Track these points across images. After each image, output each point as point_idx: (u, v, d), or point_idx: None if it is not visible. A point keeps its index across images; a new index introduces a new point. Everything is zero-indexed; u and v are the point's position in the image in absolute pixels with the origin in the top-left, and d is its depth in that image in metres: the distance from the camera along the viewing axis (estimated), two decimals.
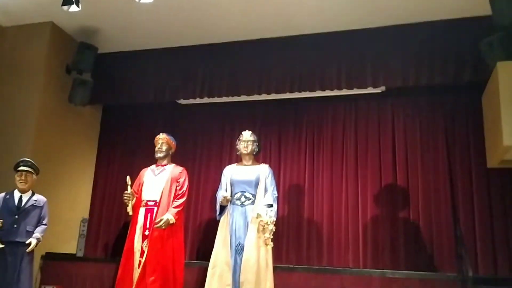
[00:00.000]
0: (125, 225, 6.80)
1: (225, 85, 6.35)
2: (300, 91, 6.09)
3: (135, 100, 6.76)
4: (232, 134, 6.69)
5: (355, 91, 6.13)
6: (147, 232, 4.70)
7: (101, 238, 6.91)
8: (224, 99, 6.57)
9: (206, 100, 6.62)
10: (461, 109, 5.93)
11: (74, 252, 6.57)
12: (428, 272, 5.12)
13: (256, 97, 6.46)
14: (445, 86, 5.88)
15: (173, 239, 4.70)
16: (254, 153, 4.84)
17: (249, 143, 4.75)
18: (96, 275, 6.09)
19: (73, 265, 6.25)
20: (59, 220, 6.40)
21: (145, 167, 6.48)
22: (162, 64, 6.70)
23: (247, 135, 4.80)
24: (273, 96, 6.44)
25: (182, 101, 6.88)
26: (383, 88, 6.05)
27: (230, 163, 6.55)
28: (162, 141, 5.04)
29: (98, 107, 7.39)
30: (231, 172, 4.73)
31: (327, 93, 6.21)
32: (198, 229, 6.44)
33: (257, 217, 4.29)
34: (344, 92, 6.17)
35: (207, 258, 5.91)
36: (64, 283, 6.06)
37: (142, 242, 4.68)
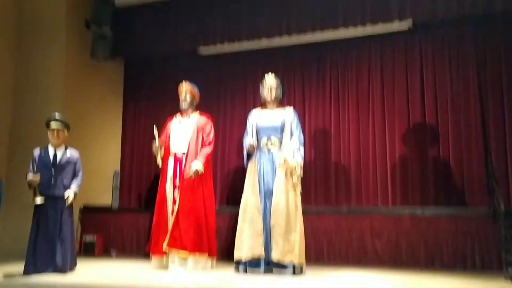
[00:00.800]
0: (156, 177, 6.95)
1: (245, 29, 6.21)
2: (322, 29, 5.91)
3: (155, 51, 6.73)
4: (255, 82, 6.56)
5: (380, 30, 5.94)
6: (177, 182, 4.80)
7: (133, 190, 7.14)
8: (245, 46, 6.48)
9: (226, 48, 6.54)
10: (494, 41, 5.67)
11: (110, 204, 6.86)
12: (458, 207, 5.11)
13: (277, 43, 6.34)
14: (475, 17, 5.61)
15: (203, 187, 4.80)
16: (279, 99, 4.78)
17: (272, 89, 4.69)
18: (131, 224, 6.36)
19: (110, 216, 6.53)
20: (93, 174, 6.60)
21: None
22: (179, 13, 6.58)
23: (270, 80, 4.73)
24: (295, 41, 6.31)
25: (203, 52, 6.81)
26: (409, 23, 5.81)
27: (255, 106, 6.57)
28: (186, 91, 5.03)
29: (120, 62, 7.41)
30: (256, 118, 4.71)
31: (351, 33, 6.04)
32: (227, 176, 6.56)
33: (284, 162, 4.31)
34: (369, 32, 5.98)
35: (237, 205, 6.08)
36: (103, 232, 6.35)
37: (173, 191, 4.80)
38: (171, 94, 7.01)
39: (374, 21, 5.66)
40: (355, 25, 5.75)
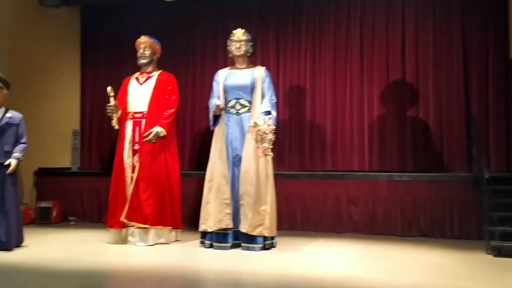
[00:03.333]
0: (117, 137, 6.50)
1: None
2: None
3: None
4: (226, 34, 5.99)
5: None
6: (136, 147, 4.34)
7: (94, 151, 6.63)
8: None
9: None
10: None
11: (69, 166, 6.37)
12: (438, 174, 4.84)
13: None
14: None
15: (166, 152, 4.37)
16: (248, 54, 4.29)
17: (242, 43, 4.19)
18: (92, 189, 5.92)
19: (69, 180, 6.06)
20: (49, 133, 6.09)
21: (135, 71, 6.05)
22: None
23: (239, 33, 4.22)
24: None
25: None
26: None
27: (226, 65, 6.11)
28: (145, 44, 4.48)
29: (76, 10, 6.68)
30: (223, 77, 4.23)
31: None
32: (195, 138, 6.11)
33: (254, 126, 3.88)
34: None
35: (205, 169, 5.71)
36: (61, 198, 5.90)
37: (132, 157, 4.35)
38: (133, 46, 6.44)
39: None
40: None
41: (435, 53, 5.35)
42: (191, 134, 6.14)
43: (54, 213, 5.67)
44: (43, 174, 6.07)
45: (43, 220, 5.61)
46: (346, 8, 5.74)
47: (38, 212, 5.67)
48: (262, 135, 3.86)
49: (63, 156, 6.43)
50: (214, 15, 6.21)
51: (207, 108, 5.97)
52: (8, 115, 4.04)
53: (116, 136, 6.47)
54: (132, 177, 4.30)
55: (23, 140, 4.11)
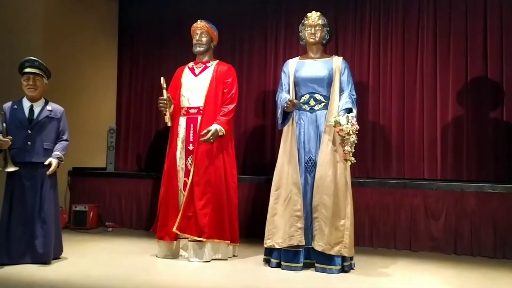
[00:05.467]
0: (158, 135, 5.99)
1: None
2: None
3: None
4: (277, 19, 5.54)
5: None
6: (191, 147, 3.78)
7: (131, 150, 6.13)
8: None
9: None
10: None
11: (104, 166, 5.86)
12: None
13: None
14: None
15: (224, 154, 3.80)
16: (324, 41, 3.69)
17: (317, 28, 3.59)
18: (131, 191, 5.40)
19: (105, 181, 5.54)
20: (83, 131, 5.59)
21: (176, 65, 5.50)
22: None
23: (314, 17, 3.62)
24: None
25: None
26: None
27: (276, 56, 5.53)
28: (202, 30, 3.92)
29: None
30: (294, 68, 3.64)
31: None
32: (243, 138, 5.53)
33: (335, 126, 3.28)
34: None
35: (256, 173, 5.14)
36: (98, 201, 5.39)
37: (186, 158, 3.79)
38: (175, 37, 5.93)
39: None
40: None
41: None
42: (236, 134, 5.56)
43: (90, 218, 5.15)
44: (77, 174, 5.58)
45: (79, 225, 5.10)
46: None
47: (73, 216, 5.16)
48: (344, 137, 3.26)
49: (98, 155, 5.94)
50: (266, 2, 5.65)
51: (259, 102, 5.55)
52: (49, 107, 3.54)
53: (153, 135, 6.08)
54: (186, 181, 3.74)
55: (64, 137, 3.60)
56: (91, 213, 5.18)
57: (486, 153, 4.70)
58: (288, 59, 5.42)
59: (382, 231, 4.42)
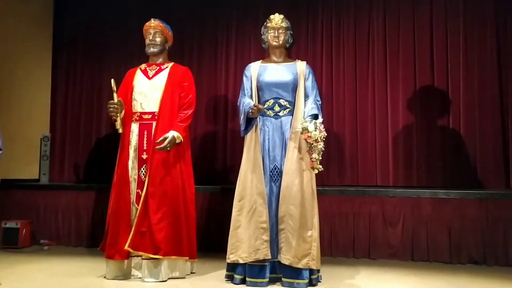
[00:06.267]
0: (99, 142, 5.57)
1: None
2: None
3: None
4: (228, 21, 5.37)
5: None
6: (145, 156, 3.47)
7: (68, 160, 5.64)
8: None
9: None
10: None
11: (37, 177, 5.32)
12: (492, 191, 4.25)
13: None
14: None
15: (181, 163, 3.52)
16: (287, 45, 3.55)
17: (280, 31, 3.44)
18: (69, 205, 4.92)
19: (39, 194, 5.01)
20: (13, 139, 5.00)
21: (119, 67, 5.17)
22: None
23: (277, 19, 3.46)
24: None
25: None
26: None
27: (227, 59, 5.34)
28: (155, 29, 3.63)
29: None
30: (257, 72, 3.46)
31: None
32: (193, 145, 5.20)
33: (302, 132, 3.15)
34: None
35: (208, 182, 4.89)
36: (31, 216, 4.86)
37: (139, 168, 3.47)
38: (118, 37, 5.55)
39: None
40: None
41: (467, 57, 4.84)
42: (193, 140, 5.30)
43: (23, 235, 4.62)
44: (6, 187, 5.01)
45: (9, 243, 4.55)
46: (367, 6, 5.15)
47: (3, 234, 4.60)
48: (311, 144, 3.14)
49: (29, 166, 5.39)
50: (214, 3, 5.45)
51: (210, 107, 5.30)
52: None
53: (93, 143, 5.62)
54: (139, 193, 3.42)
55: None
56: (24, 230, 4.65)
57: (435, 159, 4.81)
58: (239, 62, 5.38)
59: (341, 240, 4.35)
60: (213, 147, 5.28)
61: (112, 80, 3.41)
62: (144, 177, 3.43)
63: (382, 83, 5.04)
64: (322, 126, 3.18)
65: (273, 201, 3.28)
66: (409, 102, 4.96)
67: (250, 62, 4.95)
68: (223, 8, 5.43)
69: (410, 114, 4.95)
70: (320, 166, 3.21)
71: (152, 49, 3.63)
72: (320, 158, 3.19)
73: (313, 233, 3.22)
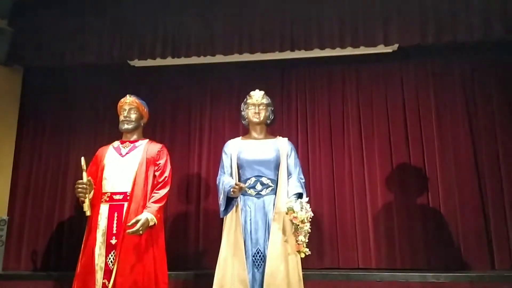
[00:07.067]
0: (61, 226, 5.17)
1: (195, 42, 4.90)
2: (293, 50, 4.83)
3: (71, 61, 5.03)
4: (202, 103, 5.32)
5: (357, 51, 4.97)
6: (114, 240, 3.15)
7: (26, 245, 5.14)
8: (194, 59, 5.08)
9: (168, 61, 5.08)
10: (485, 70, 4.98)
11: None
12: (483, 273, 4.08)
13: (232, 58, 5.05)
14: (467, 46, 4.93)
15: (154, 248, 3.21)
16: (268, 121, 3.46)
17: (261, 107, 3.36)
18: None
19: None
20: None
21: (89, 145, 4.95)
22: (107, 12, 5.06)
23: (257, 95, 3.40)
24: (254, 57, 5.08)
25: (137, 63, 5.28)
26: (394, 47, 4.94)
27: (201, 135, 5.22)
28: (131, 106, 3.48)
29: (18, 69, 5.50)
30: (236, 150, 3.31)
31: (319, 53, 4.97)
32: (165, 225, 4.91)
33: (287, 213, 2.95)
34: (341, 51, 4.95)
35: (179, 267, 4.52)
36: None
37: (107, 255, 3.13)
38: (88, 114, 5.39)
39: (355, 44, 4.73)
40: (332, 47, 4.77)
41: (441, 136, 4.91)
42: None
43: None
44: None
45: None
46: (339, 83, 5.24)
47: None
48: (298, 225, 2.93)
49: None
50: (189, 82, 5.43)
51: (182, 187, 5.05)
52: None
53: (55, 227, 5.21)
54: (105, 284, 3.05)
55: None
56: None
57: (418, 240, 4.67)
58: (214, 138, 5.26)
59: None
60: (185, 228, 4.99)
61: (82, 158, 3.17)
62: (112, 265, 3.09)
63: (358, 159, 4.99)
64: (308, 205, 3.00)
65: None
66: (387, 180, 4.90)
67: (225, 137, 4.97)
68: (197, 82, 5.41)
69: (389, 192, 4.87)
70: (307, 250, 2.98)
71: (126, 126, 3.45)
72: (307, 240, 2.97)
73: None
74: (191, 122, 5.31)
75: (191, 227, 5.01)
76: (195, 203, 5.07)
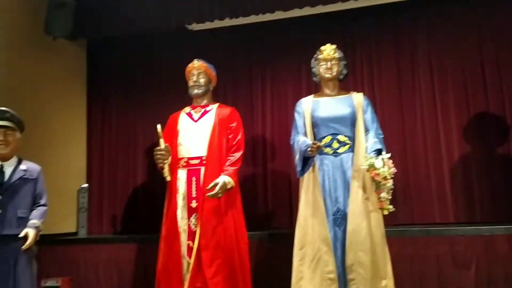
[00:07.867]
0: (136, 192, 5.37)
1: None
2: None
3: (133, 29, 5.05)
4: (262, 63, 5.20)
5: None
6: (194, 204, 3.22)
7: (106, 212, 5.43)
8: (252, 18, 4.95)
9: (226, 22, 4.99)
10: None
11: (74, 231, 5.12)
12: None
13: (290, 13, 4.86)
14: None
15: (233, 210, 3.27)
16: (341, 77, 3.33)
17: (333, 62, 3.23)
18: (110, 259, 4.64)
19: (79, 249, 4.77)
20: (50, 192, 4.85)
21: (155, 115, 5.00)
22: None
23: (328, 50, 3.26)
24: (314, 10, 4.87)
25: (195, 26, 5.23)
26: None
27: (263, 99, 5.16)
28: (199, 70, 3.47)
29: (82, 42, 5.65)
30: (309, 108, 3.23)
31: None
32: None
33: (368, 170, 2.87)
34: None
35: (254, 228, 4.59)
36: (71, 273, 4.61)
37: (189, 218, 3.22)
38: (153, 84, 5.47)
39: None
40: None
41: None
42: None
43: None
44: (45, 243, 4.78)
45: None
46: (408, 27, 4.95)
47: None
48: (380, 182, 2.85)
49: (66, 219, 5.19)
50: (248, 43, 5.33)
51: (250, 149, 5.07)
52: (23, 167, 2.93)
53: (130, 193, 5.43)
54: (190, 246, 3.15)
55: (42, 201, 2.99)
56: None
57: (498, 192, 4.44)
58: (276, 99, 5.20)
59: (407, 287, 3.94)
60: (254, 191, 5.02)
61: (159, 126, 3.22)
62: (195, 227, 3.17)
63: (431, 109, 4.74)
64: (391, 161, 2.89)
65: (339, 248, 2.97)
66: (464, 132, 4.64)
67: (287, 97, 4.86)
68: (257, 47, 5.30)
69: (465, 143, 4.62)
70: (391, 206, 2.90)
71: (196, 91, 3.45)
72: (390, 197, 2.88)
73: (388, 282, 2.89)
74: (252, 83, 5.25)
75: (259, 188, 5.03)
76: (261, 165, 5.07)
